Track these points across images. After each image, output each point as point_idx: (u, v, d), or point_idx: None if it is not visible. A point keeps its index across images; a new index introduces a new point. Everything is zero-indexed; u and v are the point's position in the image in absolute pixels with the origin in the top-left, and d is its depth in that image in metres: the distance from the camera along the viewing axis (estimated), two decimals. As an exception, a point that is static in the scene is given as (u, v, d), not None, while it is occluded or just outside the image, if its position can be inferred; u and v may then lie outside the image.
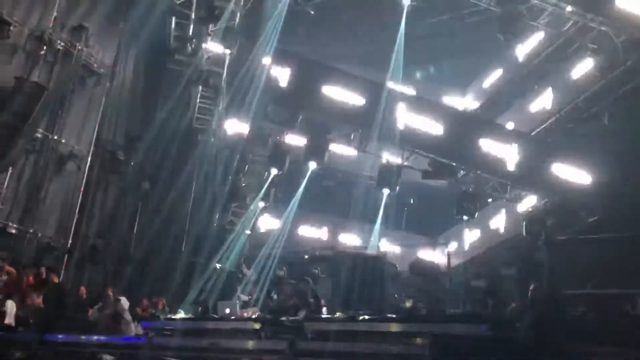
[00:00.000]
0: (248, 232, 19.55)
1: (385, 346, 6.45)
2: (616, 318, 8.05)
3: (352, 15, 23.27)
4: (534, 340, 7.41)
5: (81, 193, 15.63)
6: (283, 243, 19.37)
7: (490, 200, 19.53)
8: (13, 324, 10.40)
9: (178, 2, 18.09)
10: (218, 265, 17.41)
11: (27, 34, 14.06)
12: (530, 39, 20.67)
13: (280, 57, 15.71)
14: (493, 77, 24.40)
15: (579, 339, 7.07)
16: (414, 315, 9.55)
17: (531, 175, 16.57)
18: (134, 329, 10.59)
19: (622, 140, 15.80)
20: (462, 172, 16.59)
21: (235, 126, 20.53)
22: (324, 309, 12.14)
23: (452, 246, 22.07)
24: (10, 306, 10.53)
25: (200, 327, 9.46)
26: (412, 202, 22.65)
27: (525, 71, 21.58)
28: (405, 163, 16.67)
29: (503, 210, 20.18)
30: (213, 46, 19.00)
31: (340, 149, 18.33)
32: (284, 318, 8.63)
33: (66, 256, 14.98)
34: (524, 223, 16.93)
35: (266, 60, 16.86)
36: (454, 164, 16.02)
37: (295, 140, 16.95)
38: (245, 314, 12.25)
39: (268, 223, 21.65)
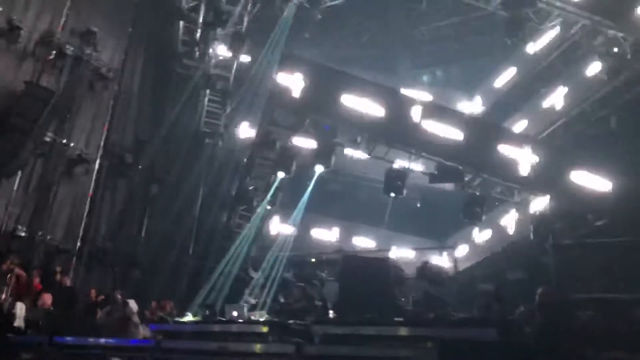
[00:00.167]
0: (255, 234, 19.58)
1: (393, 350, 6.47)
2: (625, 323, 8.02)
3: (359, 19, 23.34)
4: (542, 344, 7.40)
5: (90, 196, 15.73)
6: (292, 246, 19.41)
7: (496, 203, 19.51)
8: (23, 326, 10.47)
9: (186, 7, 18.21)
10: (225, 268, 17.45)
11: (37, 39, 14.20)
12: (537, 42, 20.63)
13: (292, 62, 15.70)
14: (499, 80, 24.33)
15: (587, 343, 7.05)
16: (421, 319, 9.54)
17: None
18: (143, 331, 10.63)
19: (630, 143, 15.74)
20: (468, 175, 16.54)
21: (243, 130, 20.62)
22: (331, 312, 12.15)
23: (459, 250, 22.01)
24: (20, 308, 10.61)
25: (208, 330, 9.50)
26: (418, 205, 22.62)
27: (531, 75, 21.52)
28: (412, 167, 16.66)
29: (510, 214, 20.12)
30: (221, 50, 19.11)
31: (347, 152, 18.35)
32: (291, 321, 8.65)
33: (75, 259, 15.06)
34: (532, 226, 16.90)
35: (274, 64, 16.93)
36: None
37: (302, 143, 16.99)
38: (252, 317, 12.27)
39: (275, 226, 21.70)
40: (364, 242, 22.82)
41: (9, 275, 10.89)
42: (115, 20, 16.52)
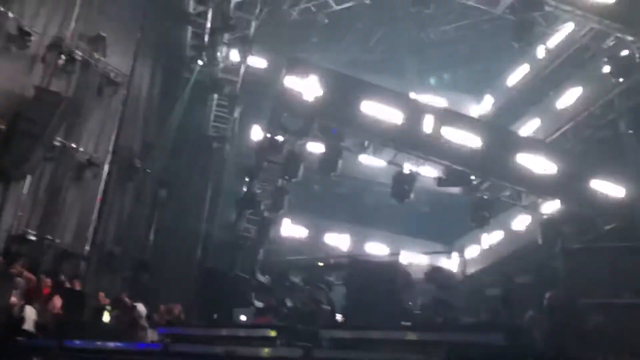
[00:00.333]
0: (263, 238, 19.63)
1: (401, 354, 6.47)
2: (634, 328, 7.97)
3: (365, 23, 23.38)
4: (550, 349, 7.37)
5: (98, 200, 15.79)
6: (302, 250, 19.45)
7: (507, 206, 19.44)
8: (32, 330, 10.53)
9: (194, 12, 18.32)
10: (233, 272, 17.49)
11: (47, 44, 14.28)
12: (544, 45, 20.60)
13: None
14: (506, 84, 24.27)
15: (596, 348, 7.02)
16: (429, 324, 9.53)
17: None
18: (151, 335, 10.68)
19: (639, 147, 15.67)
20: (476, 179, 16.51)
21: (250, 134, 20.69)
22: (339, 317, 12.14)
23: (468, 253, 21.98)
24: (29, 312, 10.67)
25: (215, 334, 9.51)
26: (426, 209, 22.59)
27: (539, 78, 21.47)
28: (420, 170, 16.65)
29: (518, 218, 20.06)
30: (229, 55, 19.20)
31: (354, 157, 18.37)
32: (299, 325, 8.66)
33: (83, 263, 15.13)
34: (540, 230, 16.84)
35: (281, 69, 16.97)
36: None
37: (309, 147, 17.03)
38: (260, 321, 12.28)
39: (282, 230, 21.76)
40: (374, 247, 22.80)
41: (17, 278, 10.94)
42: (124, 26, 16.62)
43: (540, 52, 21.23)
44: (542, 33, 18.61)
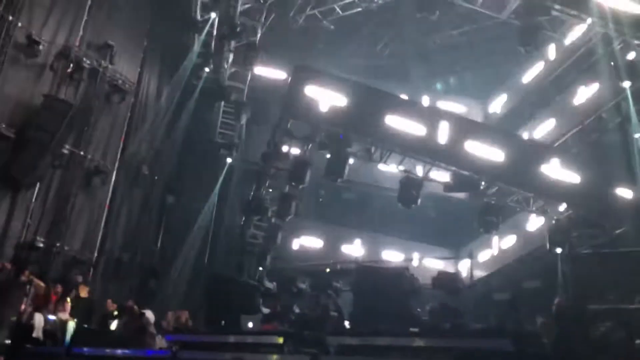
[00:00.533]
0: (270, 245, 19.64)
1: (408, 361, 6.45)
2: (643, 333, 7.91)
3: (371, 29, 23.42)
4: (558, 355, 7.33)
5: (107, 207, 15.89)
6: (305, 255, 19.44)
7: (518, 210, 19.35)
8: (41, 337, 10.58)
9: (201, 20, 18.43)
10: (240, 278, 17.51)
11: (55, 53, 14.41)
12: (550, 49, 20.55)
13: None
14: (512, 88, 24.24)
15: (604, 354, 6.97)
16: (437, 330, 9.49)
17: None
18: (159, 342, 10.69)
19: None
20: (483, 184, 16.46)
21: (257, 139, 20.73)
22: (346, 323, 12.13)
23: (476, 259, 21.89)
24: (39, 320, 10.72)
25: (223, 340, 9.52)
26: (434, 215, 22.56)
27: (546, 82, 21.43)
28: (427, 175, 16.62)
29: (527, 223, 19.99)
30: (235, 62, 19.28)
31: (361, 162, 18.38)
32: (306, 332, 8.65)
33: (92, 270, 15.20)
34: (548, 235, 16.75)
35: (286, 75, 17.04)
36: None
37: (316, 154, 17.05)
38: (267, 328, 12.28)
39: (290, 236, 21.78)
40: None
41: (27, 286, 11.01)
42: (132, 34, 16.76)
43: (546, 57, 21.22)
44: (548, 37, 18.56)
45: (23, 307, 10.62)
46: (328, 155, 15.75)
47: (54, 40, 14.44)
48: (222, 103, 20.36)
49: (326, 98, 15.09)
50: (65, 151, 14.50)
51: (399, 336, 7.50)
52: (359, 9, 19.89)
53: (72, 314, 11.54)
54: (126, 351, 8.78)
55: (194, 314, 15.03)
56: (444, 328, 10.22)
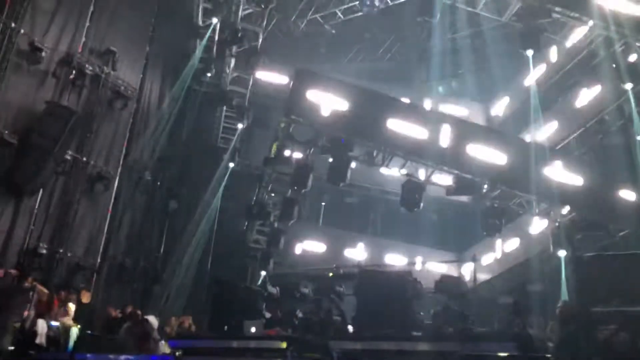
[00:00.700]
0: (273, 249, 19.63)
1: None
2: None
3: (373, 33, 23.47)
4: (563, 358, 7.30)
5: (109, 213, 15.90)
6: (307, 260, 19.42)
7: (520, 212, 19.31)
8: (44, 343, 10.58)
9: (202, 25, 18.49)
10: (243, 284, 17.48)
11: (57, 60, 14.47)
12: (552, 51, 20.56)
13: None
14: (515, 91, 24.20)
15: (610, 357, 6.94)
16: (441, 334, 9.46)
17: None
18: (162, 348, 10.68)
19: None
20: (486, 187, 16.43)
21: (259, 145, 20.76)
22: (350, 327, 12.08)
23: (479, 262, 21.83)
24: (42, 326, 10.72)
25: (226, 345, 9.50)
26: (436, 218, 22.53)
27: (548, 84, 21.39)
28: (429, 179, 16.61)
29: (530, 226, 19.93)
30: (237, 67, 19.33)
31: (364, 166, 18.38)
32: (309, 337, 8.63)
33: (95, 275, 15.20)
34: (551, 238, 16.70)
35: (288, 79, 17.04)
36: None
37: (318, 158, 17.06)
38: (271, 333, 12.24)
39: (293, 240, 21.76)
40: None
41: (30, 292, 11.01)
42: (133, 40, 16.81)
43: (548, 59, 21.19)
44: (550, 39, 18.56)
45: (26, 313, 10.62)
46: (330, 160, 15.75)
47: (57, 47, 14.51)
48: (224, 108, 20.40)
49: (328, 102, 15.07)
50: (68, 157, 14.55)
51: (403, 340, 7.49)
52: (360, 13, 19.92)
53: (75, 320, 11.54)
54: (129, 357, 8.77)
55: (197, 319, 15.03)
56: (448, 332, 10.18)
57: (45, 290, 11.58)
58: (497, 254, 21.64)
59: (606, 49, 17.16)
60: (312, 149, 16.19)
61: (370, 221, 23.89)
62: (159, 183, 18.00)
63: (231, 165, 20.47)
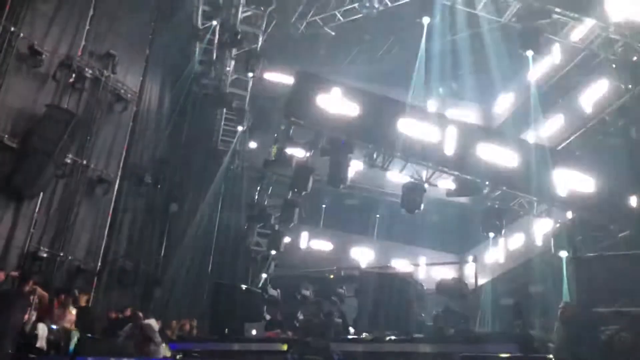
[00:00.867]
0: (273, 252, 19.62)
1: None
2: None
3: (373, 35, 23.46)
4: (565, 359, 7.28)
5: (110, 216, 15.89)
6: (309, 262, 19.41)
7: (521, 213, 19.27)
8: (45, 347, 10.56)
9: (202, 28, 18.50)
10: (244, 286, 17.47)
11: (57, 63, 14.46)
12: (552, 52, 20.54)
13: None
14: (515, 92, 24.22)
15: (612, 357, 6.92)
16: (442, 336, 9.44)
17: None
18: (163, 351, 10.66)
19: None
20: (486, 189, 16.40)
21: (259, 147, 20.77)
22: (351, 329, 12.07)
23: (480, 263, 21.81)
24: (42, 329, 10.70)
25: (227, 348, 9.50)
26: (437, 219, 22.49)
27: (548, 85, 21.40)
28: (429, 180, 16.57)
29: (531, 226, 19.91)
30: (236, 69, 19.34)
31: (364, 168, 18.37)
32: (310, 339, 8.61)
33: (96, 279, 15.19)
34: (552, 239, 16.66)
35: (288, 81, 17.03)
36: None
37: (318, 159, 17.04)
38: (272, 335, 12.23)
39: (294, 242, 21.75)
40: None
41: (31, 296, 10.99)
42: (133, 43, 16.81)
43: (547, 61, 21.19)
44: (550, 39, 18.51)
45: (27, 317, 10.60)
46: (330, 162, 15.73)
47: (56, 50, 14.49)
48: (224, 110, 20.40)
49: (331, 105, 15.03)
50: (68, 161, 14.53)
51: (404, 342, 7.47)
52: (360, 15, 19.91)
53: (76, 323, 11.52)
54: (130, 360, 8.77)
55: (198, 322, 15.03)
56: (449, 333, 10.17)
57: (46, 294, 11.56)
58: (499, 256, 21.62)
59: (606, 49, 17.14)
60: (313, 151, 16.17)
61: (371, 223, 23.86)
62: (159, 186, 17.98)
63: (231, 167, 20.48)
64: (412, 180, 16.00)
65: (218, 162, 20.55)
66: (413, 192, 15.76)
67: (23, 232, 13.46)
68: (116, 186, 16.06)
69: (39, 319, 10.86)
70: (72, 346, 10.74)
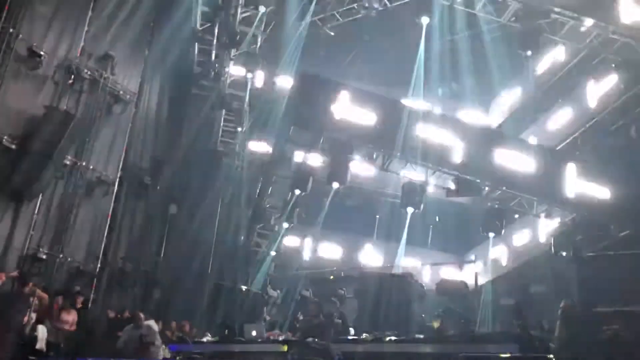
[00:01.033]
0: (273, 253, 19.61)
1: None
2: (651, 336, 7.82)
3: (372, 35, 23.44)
4: (566, 358, 7.27)
5: (109, 218, 15.86)
6: (309, 263, 19.40)
7: (516, 216, 19.29)
8: (44, 349, 10.55)
9: (201, 29, 18.49)
10: (244, 287, 17.46)
11: (56, 64, 14.44)
12: (552, 52, 20.55)
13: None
14: (515, 92, 24.24)
15: (612, 357, 6.90)
16: (442, 336, 9.43)
17: (554, 190, 16.21)
18: (163, 352, 10.65)
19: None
20: (486, 189, 16.40)
21: (259, 148, 20.75)
22: (351, 330, 12.05)
23: (480, 264, 21.79)
24: (42, 331, 10.69)
25: (227, 349, 9.48)
26: (437, 220, 22.47)
27: (547, 86, 21.39)
28: (430, 181, 16.57)
29: (531, 226, 19.89)
30: (235, 70, 19.32)
31: (363, 168, 18.37)
32: (310, 339, 8.59)
33: (95, 280, 15.16)
34: (553, 239, 16.66)
35: (287, 82, 17.02)
36: (478, 180, 15.86)
37: (318, 160, 17.03)
38: (272, 336, 12.22)
39: (293, 243, 21.72)
40: (375, 259, 22.67)
41: (31, 297, 10.98)
42: (132, 44, 16.77)
43: (543, 63, 21.21)
44: (547, 41, 18.51)
45: (26, 318, 10.58)
46: (330, 162, 15.73)
47: (55, 51, 14.46)
48: (223, 111, 20.37)
49: (333, 107, 15.00)
50: (67, 162, 14.51)
51: (404, 342, 7.46)
52: (359, 16, 19.89)
53: (76, 325, 11.51)
54: (130, 362, 8.74)
55: (197, 324, 15.00)
56: (449, 334, 10.15)
57: (45, 296, 11.55)
58: (499, 256, 21.59)
59: (605, 48, 17.14)
60: (313, 152, 16.17)
61: (372, 224, 23.81)
62: (158, 187, 17.95)
63: (231, 168, 20.46)
64: (411, 180, 16.02)
65: (217, 163, 20.51)
66: (413, 192, 15.76)
67: (22, 233, 13.43)
68: (115, 187, 16.03)
69: (39, 321, 10.85)
70: (72, 348, 10.73)
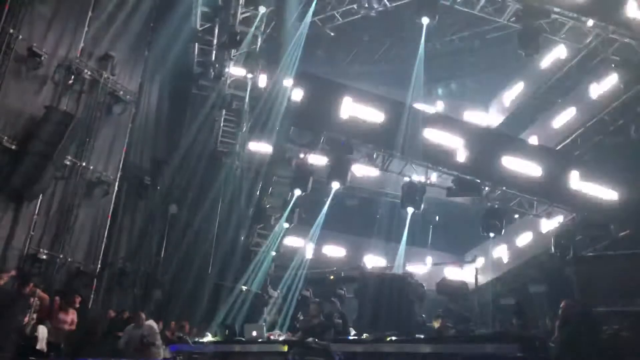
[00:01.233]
0: (273, 253, 19.60)
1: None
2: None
3: (372, 35, 23.47)
4: (566, 358, 7.27)
5: (109, 218, 15.87)
6: (309, 263, 19.37)
7: (516, 216, 19.29)
8: (45, 349, 10.55)
9: (201, 29, 18.50)
10: (244, 287, 17.46)
11: (56, 65, 14.45)
12: (553, 51, 20.57)
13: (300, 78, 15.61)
14: (514, 92, 24.27)
15: (612, 357, 6.91)
16: (442, 336, 9.43)
17: (555, 190, 16.25)
18: (163, 352, 10.65)
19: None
20: (486, 188, 16.39)
21: (259, 148, 20.74)
22: (351, 330, 12.04)
23: (480, 264, 21.80)
24: (42, 331, 10.69)
25: (227, 350, 9.48)
26: (437, 219, 22.47)
27: (547, 86, 21.42)
28: (430, 181, 16.58)
29: (530, 228, 19.89)
30: (235, 70, 19.32)
31: (363, 168, 18.36)
32: (310, 339, 8.59)
33: (95, 280, 15.17)
34: (552, 239, 16.66)
35: (287, 82, 17.01)
36: (478, 180, 15.86)
37: (318, 160, 17.03)
38: (272, 337, 12.21)
39: (293, 243, 21.70)
40: (375, 260, 22.66)
41: (31, 298, 10.98)
42: (132, 44, 16.78)
43: (547, 61, 21.21)
44: (547, 41, 18.53)
45: (27, 319, 10.59)
46: (330, 162, 15.73)
47: (55, 51, 14.46)
48: (223, 111, 20.38)
49: (334, 108, 14.99)
50: (68, 162, 14.52)
51: (405, 342, 7.45)
52: (359, 16, 19.90)
53: (76, 325, 11.51)
54: (130, 362, 8.75)
55: (197, 324, 15.00)
56: (449, 334, 10.16)
57: (46, 296, 11.55)
58: (499, 256, 21.61)
59: (605, 48, 17.14)
60: (313, 152, 16.16)
61: (372, 224, 23.78)
62: (158, 187, 17.97)
63: (231, 168, 20.46)
64: (410, 180, 16.02)
65: (218, 163, 20.53)
66: (413, 191, 15.76)
67: (22, 234, 13.43)
68: (115, 187, 16.05)
69: (39, 321, 10.85)
70: (72, 349, 10.73)
